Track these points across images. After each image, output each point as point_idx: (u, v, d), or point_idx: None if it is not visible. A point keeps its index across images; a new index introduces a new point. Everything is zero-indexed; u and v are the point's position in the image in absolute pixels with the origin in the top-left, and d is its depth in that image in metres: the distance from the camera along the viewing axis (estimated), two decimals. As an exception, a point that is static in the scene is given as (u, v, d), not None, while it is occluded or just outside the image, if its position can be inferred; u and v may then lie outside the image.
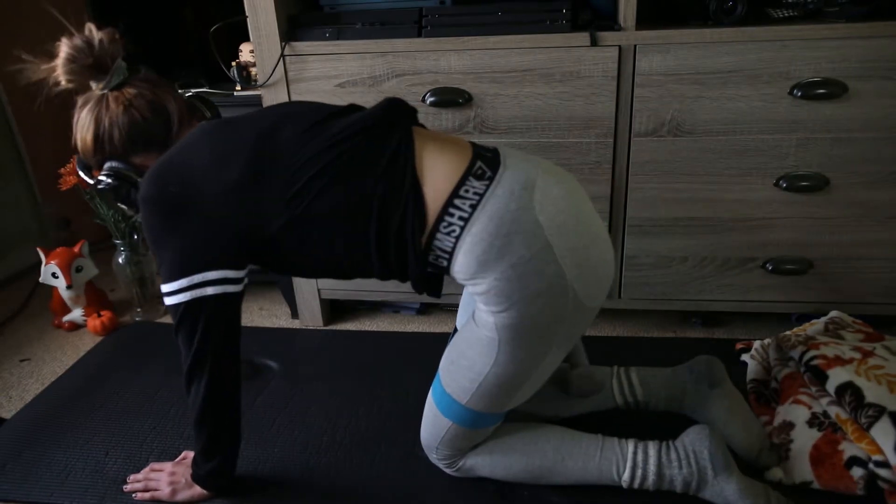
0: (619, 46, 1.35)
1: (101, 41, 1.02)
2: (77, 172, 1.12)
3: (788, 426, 1.16)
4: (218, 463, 1.10)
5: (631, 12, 1.34)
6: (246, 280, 1.02)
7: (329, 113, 1.02)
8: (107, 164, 1.08)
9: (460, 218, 0.94)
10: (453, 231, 0.94)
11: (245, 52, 1.75)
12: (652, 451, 1.06)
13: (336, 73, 1.46)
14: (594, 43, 1.35)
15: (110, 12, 2.43)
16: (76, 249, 1.81)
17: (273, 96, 1.51)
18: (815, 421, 1.14)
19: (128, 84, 1.06)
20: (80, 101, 1.08)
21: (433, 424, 1.10)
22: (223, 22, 1.54)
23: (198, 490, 1.14)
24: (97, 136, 1.05)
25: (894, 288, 1.49)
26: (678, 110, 1.39)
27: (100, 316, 1.78)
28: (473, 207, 0.93)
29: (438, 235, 0.95)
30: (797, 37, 1.30)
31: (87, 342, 1.76)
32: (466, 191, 0.94)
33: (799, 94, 1.33)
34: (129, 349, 1.68)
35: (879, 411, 1.05)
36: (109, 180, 1.07)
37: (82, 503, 1.15)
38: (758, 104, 1.36)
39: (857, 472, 1.05)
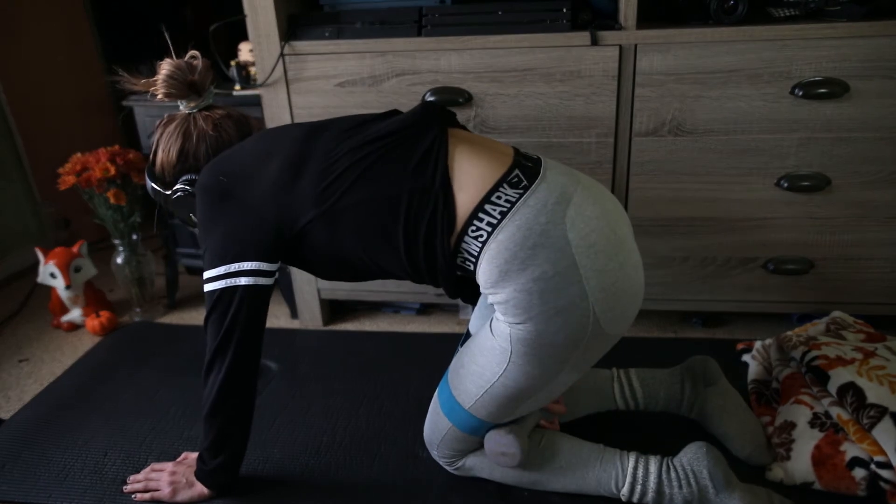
0: (620, 46, 1.35)
1: (199, 66, 1.12)
2: (147, 185, 1.19)
3: (790, 426, 1.15)
4: (225, 459, 1.09)
5: (631, 12, 1.33)
6: (277, 276, 1.05)
7: (371, 117, 1.06)
8: (185, 177, 1.13)
9: (489, 224, 0.93)
10: (481, 236, 0.93)
11: (244, 52, 1.74)
12: (653, 468, 1.05)
13: (336, 73, 1.46)
14: (594, 42, 1.35)
15: (110, 12, 2.43)
16: (75, 249, 1.81)
17: (272, 96, 1.51)
18: (816, 421, 1.14)
19: (214, 106, 1.15)
20: (164, 118, 1.15)
21: (435, 423, 1.11)
22: (223, 21, 1.53)
23: (198, 489, 1.13)
24: (183, 149, 1.12)
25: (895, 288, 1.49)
26: (679, 110, 1.39)
27: (98, 316, 1.77)
28: (503, 215, 0.92)
29: (466, 238, 0.95)
30: (798, 36, 1.30)
31: (85, 342, 1.76)
32: (499, 197, 0.93)
33: (800, 93, 1.33)
34: (127, 349, 1.68)
35: (881, 412, 1.05)
36: (190, 189, 1.12)
37: (81, 503, 1.15)
38: (758, 104, 1.36)
39: (858, 472, 1.05)
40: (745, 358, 1.45)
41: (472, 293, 1.11)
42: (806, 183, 1.40)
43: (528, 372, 0.97)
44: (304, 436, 1.30)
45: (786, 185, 1.41)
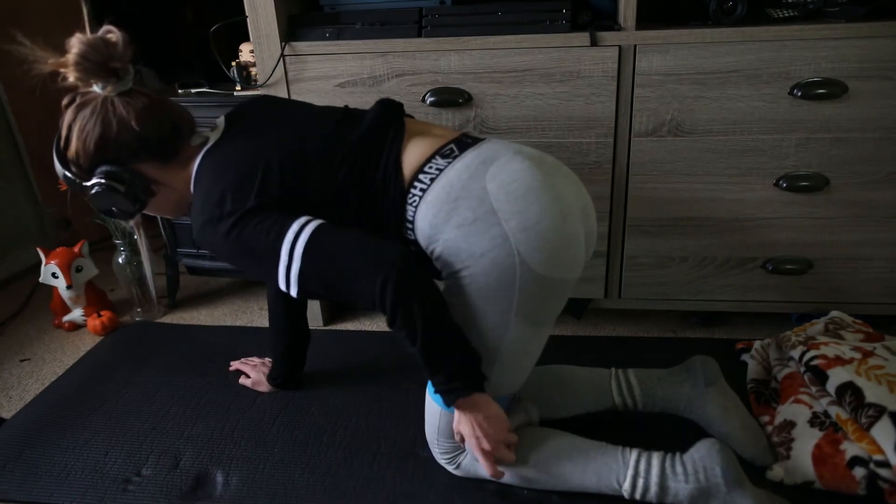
0: (619, 46, 1.35)
1: (117, 43, 1.02)
2: (57, 169, 1.10)
3: (789, 425, 1.16)
4: (461, 356, 0.99)
5: (631, 12, 1.34)
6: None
7: (340, 118, 1.11)
8: (103, 168, 1.06)
9: (420, 189, 1.02)
10: (414, 202, 1.02)
11: (245, 52, 1.74)
12: (655, 462, 1.05)
13: (336, 73, 1.46)
14: (594, 43, 1.35)
15: (110, 12, 2.44)
16: (76, 249, 1.81)
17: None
18: (816, 420, 1.14)
19: (137, 92, 1.06)
20: (77, 100, 1.05)
21: (429, 413, 1.13)
22: (223, 22, 1.54)
23: (482, 402, 1.01)
24: (102, 139, 1.04)
25: (894, 288, 1.49)
26: (678, 110, 1.39)
27: (100, 316, 1.78)
28: (432, 180, 1.01)
29: (406, 207, 1.03)
30: (797, 37, 1.30)
31: (86, 342, 1.76)
32: (430, 167, 1.03)
33: (799, 94, 1.33)
34: (128, 349, 1.68)
35: (880, 411, 1.05)
36: (113, 184, 1.06)
37: (82, 503, 1.15)
38: (758, 104, 1.36)
39: (858, 471, 1.05)
40: (745, 357, 1.46)
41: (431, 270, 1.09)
42: (805, 183, 1.40)
43: (476, 325, 1.00)
44: (304, 436, 1.31)
45: (785, 185, 1.41)
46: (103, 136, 1.04)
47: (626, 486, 1.04)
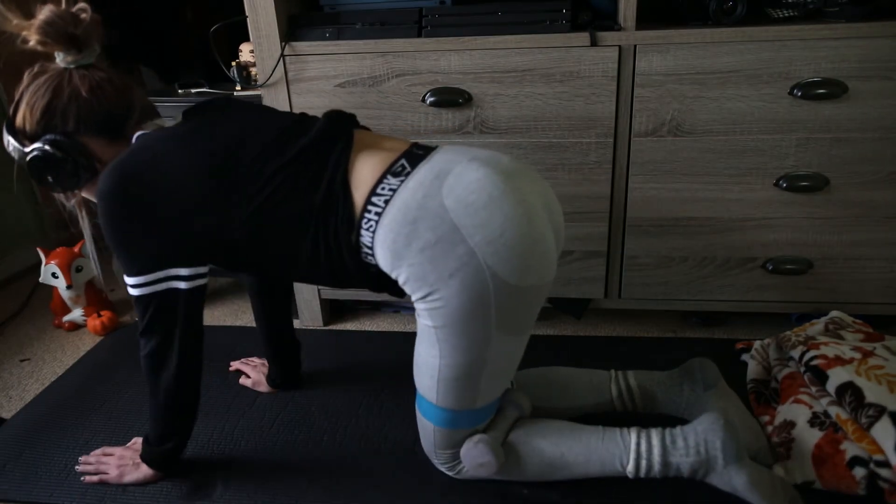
0: (619, 46, 1.35)
1: (85, 19, 1.03)
2: (3, 138, 1.09)
3: (789, 425, 1.16)
4: (173, 445, 1.15)
5: (631, 12, 1.34)
6: (204, 278, 1.07)
7: (285, 127, 1.06)
8: (47, 137, 1.05)
9: (376, 213, 0.97)
10: (371, 227, 0.98)
11: (245, 52, 1.75)
12: (655, 440, 1.06)
13: (336, 73, 1.46)
14: (594, 43, 1.35)
15: (110, 12, 2.43)
16: (76, 249, 1.81)
17: (273, 96, 1.51)
18: (816, 420, 1.14)
19: (95, 67, 1.06)
20: (35, 68, 1.06)
21: (422, 428, 1.12)
22: (223, 22, 1.54)
23: (144, 470, 1.18)
24: (49, 106, 1.04)
25: (894, 288, 1.49)
26: (678, 110, 1.39)
27: (100, 316, 1.78)
28: (387, 202, 0.97)
29: (361, 232, 0.99)
30: (797, 37, 1.30)
31: (87, 342, 1.76)
32: (383, 188, 0.98)
33: (799, 94, 1.33)
34: (128, 349, 1.68)
35: (879, 411, 1.05)
36: (53, 151, 1.04)
37: (82, 503, 1.16)
38: (758, 104, 1.36)
39: (859, 472, 1.05)
40: (744, 357, 1.46)
41: (395, 285, 1.10)
42: (805, 183, 1.40)
43: (458, 345, 0.98)
44: (304, 436, 1.31)
45: (785, 185, 1.41)
46: (50, 103, 1.04)
47: (630, 468, 1.05)
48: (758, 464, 1.13)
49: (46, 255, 1.78)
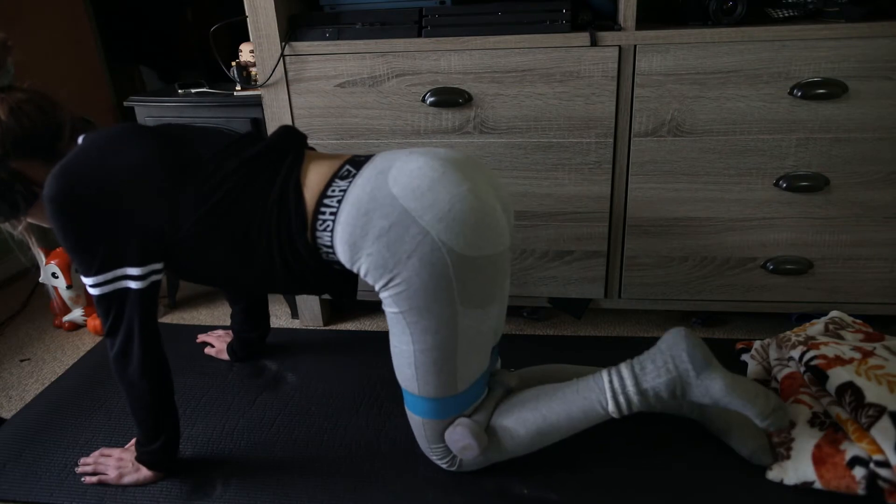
0: (619, 46, 1.35)
1: None
2: None
3: (789, 425, 1.16)
4: (162, 442, 1.15)
5: (631, 12, 1.34)
6: (153, 277, 1.08)
7: (236, 138, 1.12)
8: None
9: (331, 213, 1.03)
10: (328, 227, 1.03)
11: (245, 52, 1.75)
12: (626, 372, 1.07)
13: (336, 73, 1.47)
14: (594, 43, 1.35)
15: (111, 13, 2.44)
16: (76, 249, 1.81)
17: (273, 96, 1.51)
18: (816, 420, 1.14)
19: (13, 88, 1.05)
20: None
21: (413, 426, 1.14)
22: (223, 22, 1.54)
23: (143, 472, 1.18)
24: None
25: (894, 288, 1.49)
26: (678, 110, 1.39)
27: (100, 316, 1.78)
28: (339, 202, 1.03)
29: (318, 233, 1.04)
30: (797, 37, 1.30)
31: (87, 342, 1.76)
32: (333, 190, 1.04)
33: (799, 94, 1.33)
34: (129, 349, 1.68)
35: (879, 411, 1.05)
36: None
37: (82, 503, 1.16)
38: (757, 104, 1.36)
39: (859, 471, 1.05)
40: (744, 357, 1.46)
41: (347, 287, 1.17)
42: (805, 183, 1.40)
43: (427, 327, 1.01)
44: (303, 436, 1.31)
45: (785, 185, 1.41)
46: None
47: (611, 408, 1.06)
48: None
49: (47, 256, 1.78)
